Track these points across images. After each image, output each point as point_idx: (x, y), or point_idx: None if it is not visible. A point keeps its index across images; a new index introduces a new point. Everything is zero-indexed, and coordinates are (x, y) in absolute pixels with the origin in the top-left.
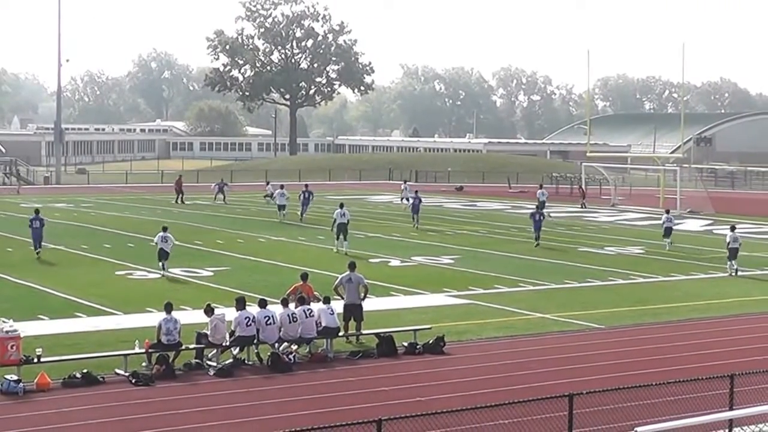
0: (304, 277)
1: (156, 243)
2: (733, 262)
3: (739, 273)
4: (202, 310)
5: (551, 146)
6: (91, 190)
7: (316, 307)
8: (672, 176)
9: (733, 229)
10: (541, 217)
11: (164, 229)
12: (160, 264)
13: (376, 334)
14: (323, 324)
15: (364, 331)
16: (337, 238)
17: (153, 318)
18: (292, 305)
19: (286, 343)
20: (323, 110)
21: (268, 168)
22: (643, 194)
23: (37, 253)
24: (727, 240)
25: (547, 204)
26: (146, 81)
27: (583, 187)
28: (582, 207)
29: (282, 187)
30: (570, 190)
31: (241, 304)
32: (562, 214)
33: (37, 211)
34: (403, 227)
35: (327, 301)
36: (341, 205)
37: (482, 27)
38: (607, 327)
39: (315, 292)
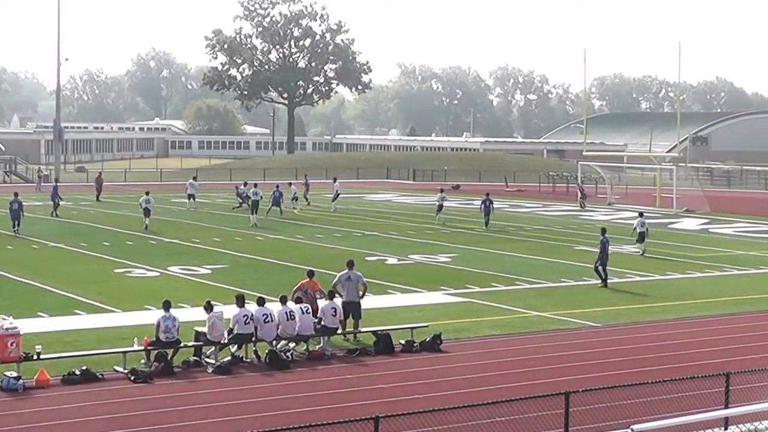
0: (311, 274)
1: (141, 204)
2: (641, 244)
3: (645, 255)
4: (203, 308)
5: (548, 145)
6: (89, 188)
7: (321, 304)
8: (668, 175)
9: (641, 215)
10: (491, 204)
11: (147, 193)
12: (145, 219)
13: (374, 332)
14: (323, 323)
15: (361, 329)
16: (252, 213)
17: (151, 315)
18: (290, 303)
19: (283, 341)
20: (321, 109)
21: (266, 166)
22: (640, 193)
23: (15, 231)
24: (635, 225)
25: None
26: (145, 80)
27: (581, 185)
28: (581, 207)
29: (194, 178)
30: (566, 188)
31: (241, 301)
32: (558, 213)
33: (16, 194)
34: (400, 225)
35: (332, 296)
36: (255, 185)
37: (479, 26)
38: (603, 325)
39: (321, 288)
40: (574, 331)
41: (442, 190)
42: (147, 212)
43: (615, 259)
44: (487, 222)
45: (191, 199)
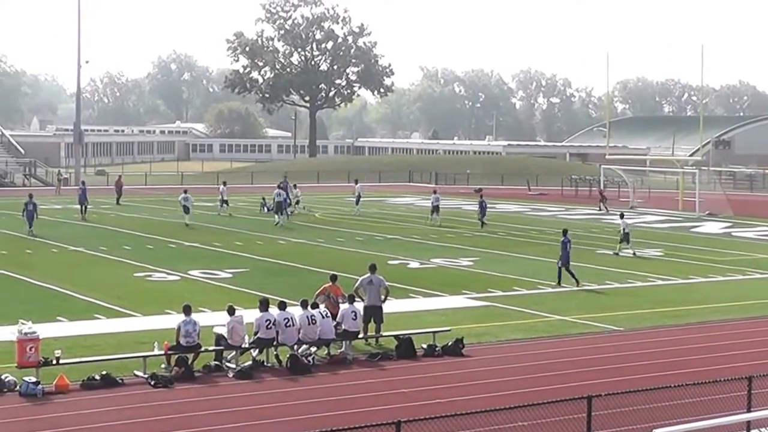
0: (333, 278)
1: (180, 201)
2: (627, 244)
3: (620, 254)
4: (225, 311)
5: (570, 149)
6: (110, 191)
7: (341, 308)
8: (691, 179)
9: (622, 216)
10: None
11: (185, 191)
12: (186, 216)
13: (395, 336)
14: (344, 327)
15: (383, 333)
16: (276, 214)
17: (172, 320)
18: (322, 306)
19: (305, 345)
20: (343, 112)
21: (287, 170)
22: (662, 197)
23: (31, 230)
24: (622, 227)
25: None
26: (166, 82)
27: (602, 189)
28: (599, 210)
29: (224, 183)
30: (589, 192)
31: (264, 306)
32: (581, 217)
33: (30, 196)
34: (423, 229)
35: (351, 300)
36: (279, 185)
37: (502, 29)
38: (626, 329)
39: (343, 292)
40: (597, 335)
41: (435, 191)
42: (186, 210)
43: (637, 264)
44: (482, 223)
45: (224, 205)
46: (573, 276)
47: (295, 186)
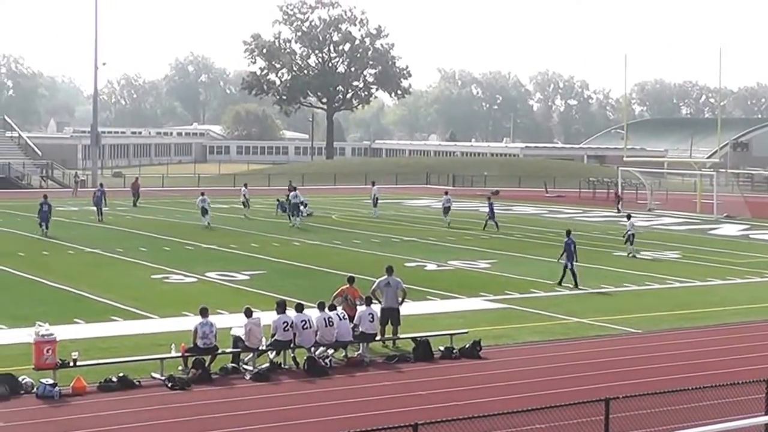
0: (351, 280)
1: (198, 204)
2: (625, 244)
3: (637, 256)
4: (242, 313)
5: (588, 151)
6: (126, 193)
7: (358, 310)
8: (708, 181)
9: (629, 217)
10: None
11: (202, 194)
12: (205, 218)
13: (413, 338)
14: (361, 329)
15: (400, 335)
16: (291, 215)
17: (189, 322)
18: (339, 308)
19: (322, 347)
20: (360, 114)
21: (304, 172)
22: (680, 199)
23: (44, 232)
24: (628, 228)
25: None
26: (183, 84)
27: (620, 191)
28: (618, 212)
29: (245, 185)
30: (606, 194)
31: (281, 308)
32: (598, 219)
33: (45, 197)
34: (440, 231)
35: (369, 302)
36: (292, 188)
37: (519, 31)
38: (644, 331)
39: (361, 294)
40: (615, 338)
41: (446, 192)
42: (204, 212)
43: (654, 266)
44: (496, 224)
45: (246, 206)
46: (564, 276)
47: (295, 188)
